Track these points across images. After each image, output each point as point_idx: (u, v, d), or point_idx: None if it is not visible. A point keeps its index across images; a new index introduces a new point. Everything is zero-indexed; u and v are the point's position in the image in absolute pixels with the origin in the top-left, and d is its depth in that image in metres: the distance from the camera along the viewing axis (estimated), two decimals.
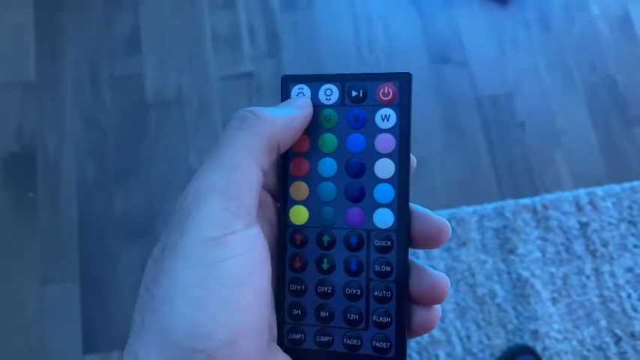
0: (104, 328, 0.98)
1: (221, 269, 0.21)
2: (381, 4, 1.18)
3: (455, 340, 0.95)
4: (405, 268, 0.25)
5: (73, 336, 0.97)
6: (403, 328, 0.25)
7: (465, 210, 1.02)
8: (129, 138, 1.09)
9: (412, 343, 0.94)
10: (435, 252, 0.98)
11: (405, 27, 1.16)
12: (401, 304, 0.25)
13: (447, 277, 0.25)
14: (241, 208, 0.22)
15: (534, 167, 1.07)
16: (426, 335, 0.95)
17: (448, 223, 0.25)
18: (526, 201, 1.02)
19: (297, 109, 0.26)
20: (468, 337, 0.95)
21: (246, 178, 0.23)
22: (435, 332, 0.95)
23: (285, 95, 0.27)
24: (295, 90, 0.27)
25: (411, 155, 0.26)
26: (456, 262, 0.98)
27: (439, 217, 0.25)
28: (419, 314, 0.25)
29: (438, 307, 0.26)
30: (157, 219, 1.03)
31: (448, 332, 0.95)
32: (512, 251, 0.99)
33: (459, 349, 0.94)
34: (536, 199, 1.03)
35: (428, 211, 0.26)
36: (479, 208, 1.02)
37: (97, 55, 1.14)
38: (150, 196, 1.05)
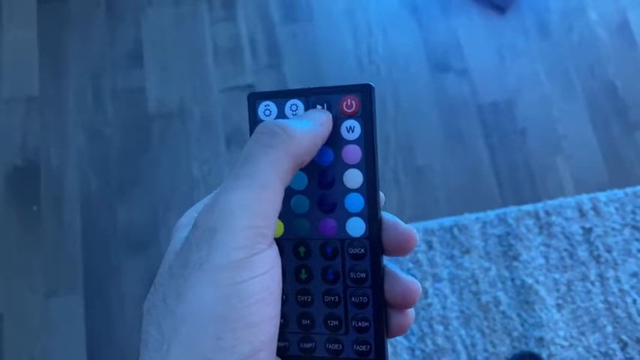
0: (108, 340, 0.98)
1: (245, 289, 0.21)
2: (381, 14, 1.19)
3: (460, 348, 0.94)
4: (379, 274, 0.26)
5: (77, 348, 0.97)
6: (382, 331, 0.26)
7: (468, 217, 1.01)
8: (132, 150, 1.10)
9: (417, 352, 0.94)
10: (438, 259, 0.98)
11: (405, 36, 1.17)
12: (378, 308, 0.26)
13: (417, 282, 0.26)
14: (267, 228, 0.23)
15: (536, 173, 1.07)
16: (430, 344, 0.94)
17: (415, 232, 0.26)
18: (528, 207, 1.02)
19: (320, 125, 0.26)
20: (473, 345, 0.94)
21: (273, 198, 0.23)
22: (440, 340, 0.94)
23: (252, 112, 0.28)
24: (262, 107, 0.27)
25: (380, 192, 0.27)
26: (459, 270, 0.98)
27: (407, 226, 0.26)
28: (394, 318, 0.26)
29: (411, 311, 0.26)
30: (160, 231, 1.04)
31: (453, 340, 0.95)
32: (515, 258, 0.99)
33: (464, 357, 0.94)
34: (539, 205, 1.02)
35: (397, 220, 0.26)
36: (481, 215, 1.02)
37: (100, 69, 1.15)
38: (153, 208, 1.05)
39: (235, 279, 0.21)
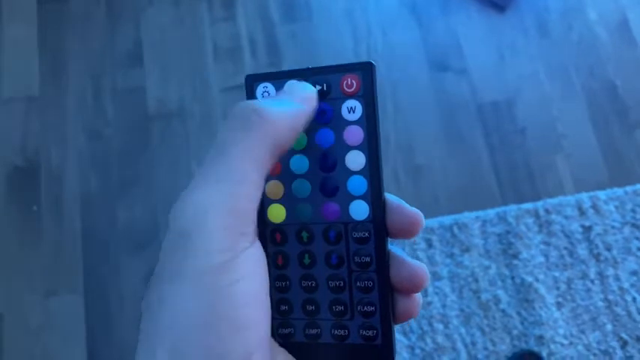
0: (108, 339, 0.98)
1: (230, 293, 0.20)
2: (380, 13, 1.19)
3: (460, 346, 0.94)
4: (384, 258, 0.25)
5: (77, 348, 0.97)
6: (388, 316, 0.25)
7: (468, 216, 1.02)
8: (131, 150, 1.10)
9: (417, 350, 0.94)
10: (438, 258, 0.98)
11: (404, 36, 1.17)
12: (384, 293, 0.25)
13: (424, 265, 0.25)
14: (246, 225, 0.21)
15: (536, 172, 1.07)
16: (430, 342, 0.94)
17: (421, 214, 0.25)
18: (528, 206, 1.02)
19: (302, 104, 0.24)
20: (473, 344, 0.94)
21: (250, 192, 0.21)
22: (440, 339, 0.94)
23: (250, 94, 0.27)
24: (260, 89, 0.27)
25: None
26: (459, 268, 0.98)
27: (413, 208, 0.25)
28: (400, 302, 0.25)
29: (418, 296, 0.25)
30: (160, 230, 1.04)
31: (453, 339, 0.95)
32: (515, 256, 0.99)
33: (464, 356, 0.94)
34: (539, 203, 1.02)
35: (402, 202, 0.25)
36: (481, 213, 1.02)
37: (100, 68, 1.15)
38: (153, 208, 1.05)
39: (217, 283, 0.20)
